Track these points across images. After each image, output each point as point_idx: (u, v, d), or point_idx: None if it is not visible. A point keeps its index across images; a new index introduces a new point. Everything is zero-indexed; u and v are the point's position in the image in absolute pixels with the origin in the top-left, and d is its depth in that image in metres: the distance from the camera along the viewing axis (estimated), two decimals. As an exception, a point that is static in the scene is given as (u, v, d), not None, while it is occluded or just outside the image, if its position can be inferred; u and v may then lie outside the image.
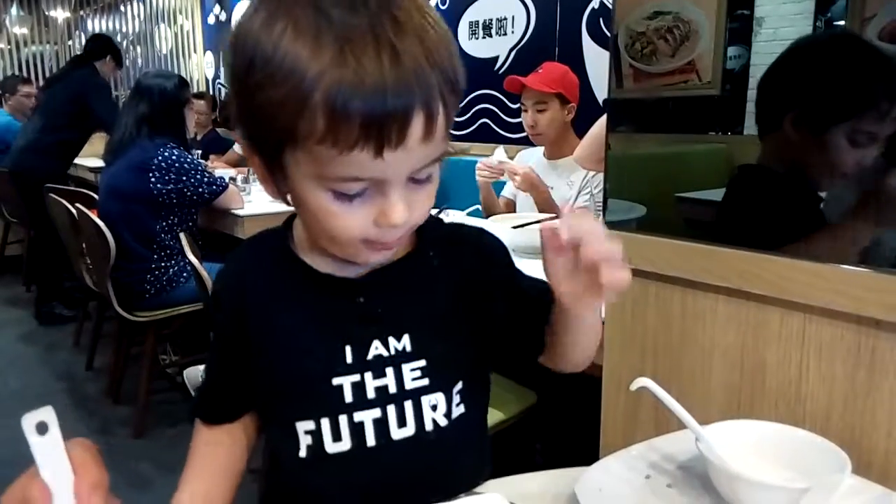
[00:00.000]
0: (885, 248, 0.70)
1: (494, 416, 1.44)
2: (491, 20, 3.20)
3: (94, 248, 2.43)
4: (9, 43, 6.34)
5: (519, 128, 2.93)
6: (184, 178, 2.35)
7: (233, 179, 2.77)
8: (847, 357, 0.71)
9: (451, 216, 2.04)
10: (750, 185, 0.83)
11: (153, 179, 2.32)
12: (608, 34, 2.61)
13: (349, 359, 0.65)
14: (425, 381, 0.66)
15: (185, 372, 2.48)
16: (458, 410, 0.68)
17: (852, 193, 0.76)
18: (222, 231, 2.58)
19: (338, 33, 0.49)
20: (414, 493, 0.67)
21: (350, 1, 0.50)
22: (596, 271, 0.52)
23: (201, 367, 2.73)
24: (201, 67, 6.24)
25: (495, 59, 3.17)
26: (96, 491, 0.37)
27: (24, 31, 6.48)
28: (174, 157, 2.34)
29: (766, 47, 0.78)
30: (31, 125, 3.58)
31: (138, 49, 6.71)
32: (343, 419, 0.65)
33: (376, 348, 0.66)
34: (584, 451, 0.85)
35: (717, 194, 0.84)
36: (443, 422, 0.66)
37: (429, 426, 0.66)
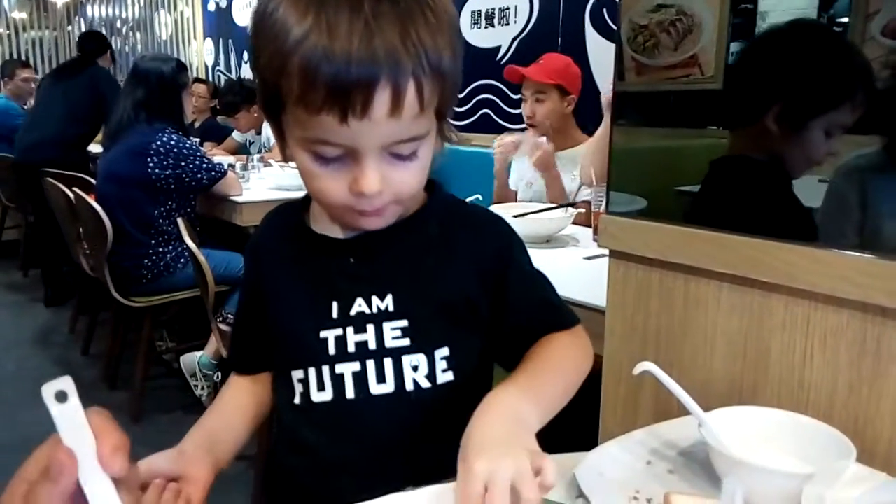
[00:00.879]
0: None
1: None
2: (493, 10, 3.17)
3: (91, 232, 2.42)
4: (8, 28, 6.29)
5: (521, 118, 2.92)
6: (182, 163, 2.33)
7: (231, 166, 2.75)
8: (852, 345, 0.70)
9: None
10: (729, 175, 0.84)
11: (151, 164, 2.30)
12: (612, 25, 2.59)
13: (335, 314, 0.70)
14: (406, 342, 0.69)
15: (181, 358, 2.48)
16: (444, 377, 0.70)
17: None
18: (221, 218, 2.57)
19: (324, 4, 0.55)
20: (395, 450, 0.69)
21: None
22: None
23: (198, 354, 2.72)
24: (201, 54, 6.21)
25: (497, 48, 3.15)
26: (118, 453, 0.38)
27: (24, 15, 6.43)
28: (173, 142, 2.32)
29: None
30: (46, 118, 3.56)
31: (138, 35, 6.66)
32: (326, 370, 0.70)
33: (359, 305, 0.70)
34: (582, 439, 0.84)
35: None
36: (424, 383, 0.69)
37: (409, 386, 0.69)
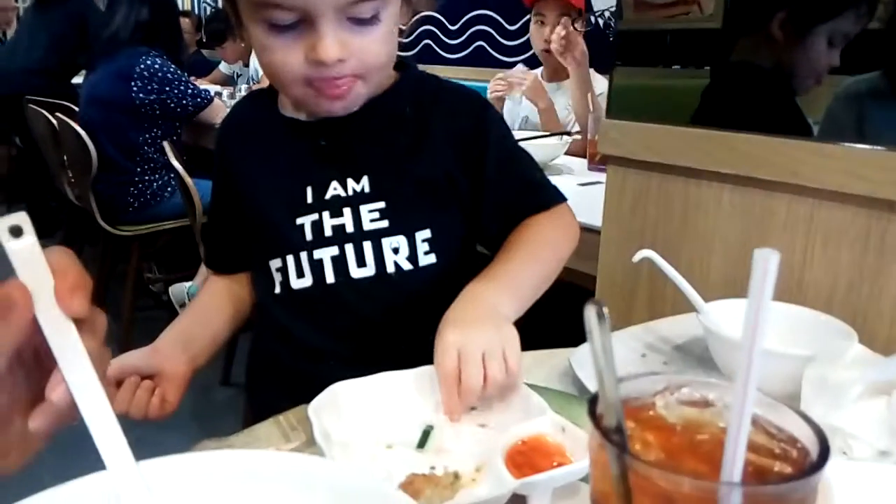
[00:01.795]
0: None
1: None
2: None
3: (75, 159, 2.36)
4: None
5: (518, 51, 2.84)
6: (167, 88, 2.26)
7: (218, 94, 2.68)
8: (855, 242, 0.68)
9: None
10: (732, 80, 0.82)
11: (136, 89, 2.23)
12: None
13: (309, 199, 0.68)
14: (384, 224, 0.67)
15: (170, 289, 2.45)
16: (426, 259, 0.69)
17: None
18: (207, 147, 2.52)
19: None
20: (379, 334, 0.69)
21: None
22: None
23: (187, 284, 2.68)
24: (187, -14, 5.99)
25: (493, -22, 3.05)
26: (77, 292, 0.35)
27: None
28: (157, 65, 2.24)
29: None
30: (30, 48, 3.43)
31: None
32: (304, 256, 0.68)
33: (334, 189, 0.68)
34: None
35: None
36: (406, 265, 0.68)
37: (390, 268, 0.68)
